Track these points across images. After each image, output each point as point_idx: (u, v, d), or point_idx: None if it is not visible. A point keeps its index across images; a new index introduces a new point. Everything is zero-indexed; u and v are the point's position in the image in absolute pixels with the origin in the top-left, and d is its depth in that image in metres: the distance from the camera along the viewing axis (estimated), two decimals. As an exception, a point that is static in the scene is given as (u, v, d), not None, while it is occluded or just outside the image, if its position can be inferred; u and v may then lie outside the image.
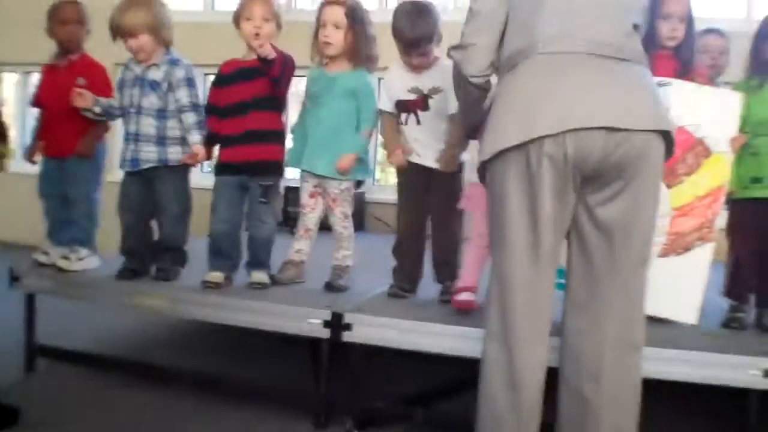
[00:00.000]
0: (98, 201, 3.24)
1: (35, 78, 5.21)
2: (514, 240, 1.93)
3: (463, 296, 2.64)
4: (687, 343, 2.30)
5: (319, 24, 2.86)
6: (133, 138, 2.98)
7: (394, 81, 2.81)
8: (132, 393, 2.94)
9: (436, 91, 2.72)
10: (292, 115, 3.25)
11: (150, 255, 3.06)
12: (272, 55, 2.72)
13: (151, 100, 2.95)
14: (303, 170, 2.95)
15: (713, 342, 2.35)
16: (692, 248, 2.50)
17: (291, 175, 3.19)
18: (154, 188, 3.00)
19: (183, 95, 2.94)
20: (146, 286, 2.97)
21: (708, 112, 2.51)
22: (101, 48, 3.05)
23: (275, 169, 2.95)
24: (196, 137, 2.94)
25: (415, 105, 2.77)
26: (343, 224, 2.95)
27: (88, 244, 3.21)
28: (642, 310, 1.99)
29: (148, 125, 2.95)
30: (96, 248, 3.26)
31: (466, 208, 2.76)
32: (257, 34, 2.80)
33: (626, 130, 1.82)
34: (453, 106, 2.58)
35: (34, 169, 3.33)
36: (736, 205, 2.69)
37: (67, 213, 3.19)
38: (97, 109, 3.03)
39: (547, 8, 1.91)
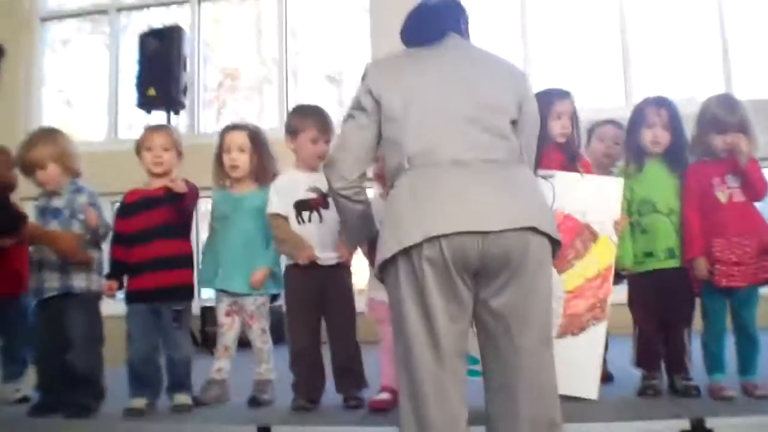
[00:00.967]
0: None
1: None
2: (414, 336, 2.01)
3: (381, 396, 2.71)
4: (606, 415, 2.40)
5: (223, 149, 3.00)
6: (36, 266, 2.95)
7: (289, 183, 2.88)
8: None
9: None
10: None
11: (65, 389, 2.92)
12: (184, 190, 2.83)
13: (53, 228, 2.93)
14: (218, 290, 3.01)
15: (632, 410, 2.48)
16: (587, 327, 2.66)
17: (206, 294, 3.22)
18: (61, 320, 2.92)
19: (88, 216, 2.91)
20: (64, 422, 2.84)
21: (592, 198, 2.72)
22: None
23: (186, 293, 2.98)
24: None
25: (317, 203, 2.85)
26: (262, 339, 3.02)
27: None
28: (554, 388, 2.06)
29: (50, 252, 2.91)
30: None
31: (372, 316, 2.84)
32: (158, 163, 2.91)
33: (496, 231, 1.94)
34: None
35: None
36: (634, 279, 2.91)
37: None
38: None
39: (411, 125, 2.05)
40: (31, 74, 6.79)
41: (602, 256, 2.70)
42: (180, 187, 2.81)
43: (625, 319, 2.96)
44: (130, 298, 2.96)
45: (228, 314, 3.02)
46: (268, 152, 3.02)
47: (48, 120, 6.50)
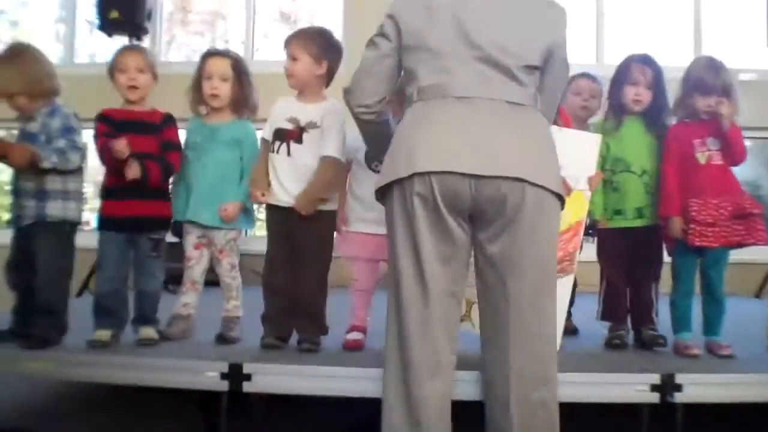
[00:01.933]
0: None
1: None
2: (403, 272, 2.01)
3: (353, 335, 2.70)
4: (574, 366, 2.40)
5: (203, 76, 2.86)
6: (14, 193, 2.81)
7: (279, 108, 2.79)
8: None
9: (312, 125, 2.70)
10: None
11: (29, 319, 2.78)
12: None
13: None
14: (187, 221, 2.90)
15: (600, 363, 2.51)
16: (554, 279, 2.68)
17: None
18: (32, 248, 2.76)
19: (61, 144, 2.72)
20: (22, 353, 2.68)
21: (569, 152, 2.66)
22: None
23: (164, 223, 2.88)
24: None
25: (289, 135, 2.73)
26: (231, 275, 2.94)
27: None
28: (548, 344, 2.05)
29: (26, 179, 2.75)
30: None
31: (344, 254, 2.79)
32: (132, 87, 2.78)
33: (489, 176, 1.93)
34: (329, 148, 2.65)
35: None
36: (603, 233, 2.97)
37: None
38: None
39: (427, 56, 2.03)
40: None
41: (574, 210, 2.68)
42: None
43: (592, 278, 3.00)
44: (107, 225, 2.82)
45: (197, 247, 2.92)
46: (249, 83, 2.89)
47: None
